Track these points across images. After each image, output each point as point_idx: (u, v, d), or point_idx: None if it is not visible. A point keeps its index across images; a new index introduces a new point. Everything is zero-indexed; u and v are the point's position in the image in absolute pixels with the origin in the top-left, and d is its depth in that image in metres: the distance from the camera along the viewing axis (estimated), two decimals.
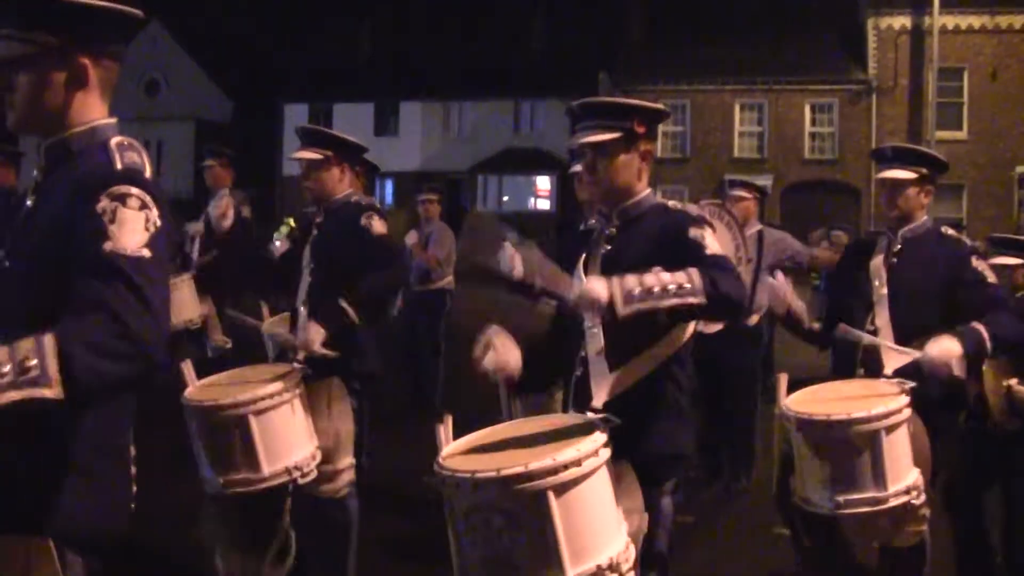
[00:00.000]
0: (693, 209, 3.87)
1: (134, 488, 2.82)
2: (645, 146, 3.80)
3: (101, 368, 2.38)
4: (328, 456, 5.03)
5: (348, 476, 5.23)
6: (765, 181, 32.66)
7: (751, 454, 8.33)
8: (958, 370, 4.44)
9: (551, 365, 4.01)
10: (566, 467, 3.00)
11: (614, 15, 39.37)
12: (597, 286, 3.25)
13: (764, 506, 6.62)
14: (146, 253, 2.53)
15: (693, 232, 3.62)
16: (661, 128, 26.51)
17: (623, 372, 3.62)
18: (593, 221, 4.02)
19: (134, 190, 2.59)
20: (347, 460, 5.22)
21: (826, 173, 34.16)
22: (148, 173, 2.68)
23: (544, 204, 44.11)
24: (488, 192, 44.40)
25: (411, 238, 11.07)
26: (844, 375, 4.95)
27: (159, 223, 2.60)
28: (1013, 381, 5.33)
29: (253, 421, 4.64)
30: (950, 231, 5.07)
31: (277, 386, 4.77)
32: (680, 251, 3.56)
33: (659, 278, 3.29)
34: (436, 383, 10.81)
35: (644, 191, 3.84)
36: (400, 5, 46.86)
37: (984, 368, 5.26)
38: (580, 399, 3.67)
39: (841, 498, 4.24)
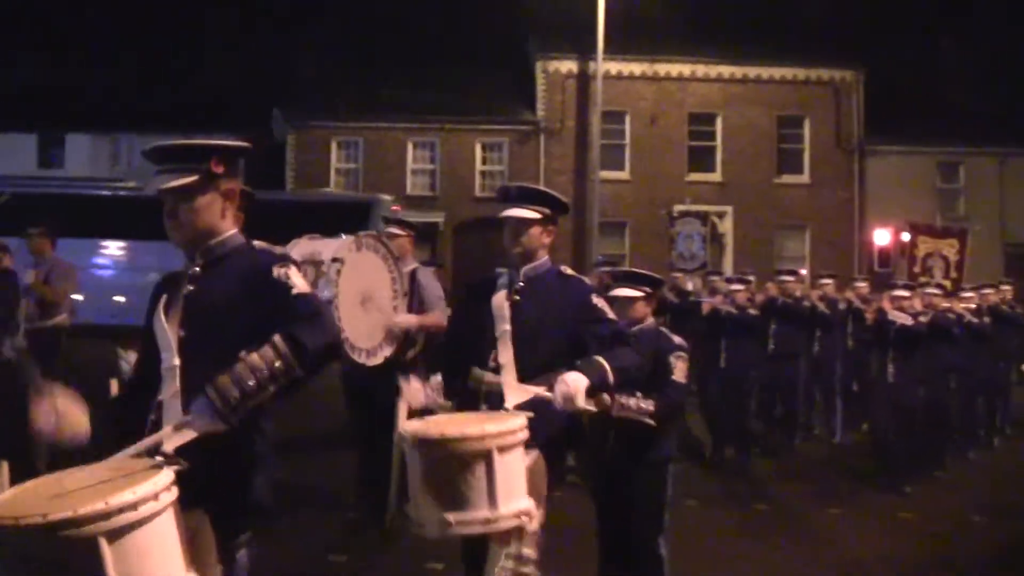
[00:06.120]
0: (277, 247, 3.86)
1: None
2: (227, 185, 3.73)
3: None
4: None
5: None
6: (437, 218, 33.16)
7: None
8: (583, 402, 4.55)
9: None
10: (120, 511, 2.83)
11: (285, 51, 39.04)
12: (201, 415, 3.23)
13: (423, 543, 6.62)
14: None
15: (277, 272, 3.58)
16: (334, 165, 26.10)
17: None
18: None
19: None
20: None
21: (496, 211, 34.65)
22: None
23: None
24: None
25: (29, 277, 10.68)
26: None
27: None
28: None
29: None
30: (569, 271, 5.23)
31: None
32: (266, 293, 3.53)
33: (251, 368, 3.22)
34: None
35: (229, 230, 3.77)
36: (67, 34, 44.90)
37: None
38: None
39: (453, 518, 4.25)
